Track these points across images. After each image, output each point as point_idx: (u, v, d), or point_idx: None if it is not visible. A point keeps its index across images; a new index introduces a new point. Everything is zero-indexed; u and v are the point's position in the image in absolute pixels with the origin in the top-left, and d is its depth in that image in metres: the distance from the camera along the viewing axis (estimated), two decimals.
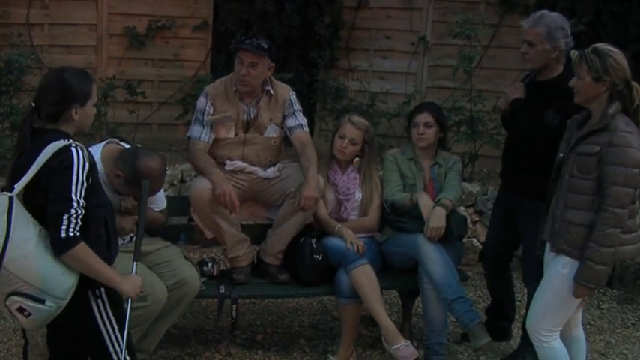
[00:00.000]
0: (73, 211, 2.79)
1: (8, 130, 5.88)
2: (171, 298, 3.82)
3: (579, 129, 3.54)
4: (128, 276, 3.10)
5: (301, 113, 4.46)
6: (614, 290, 5.68)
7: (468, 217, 5.68)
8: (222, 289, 4.20)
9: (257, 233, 4.53)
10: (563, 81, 3.87)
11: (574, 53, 3.47)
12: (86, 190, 2.84)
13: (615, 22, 6.48)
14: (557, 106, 3.93)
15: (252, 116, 4.35)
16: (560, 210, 3.51)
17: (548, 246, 3.66)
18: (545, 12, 4.07)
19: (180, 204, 4.50)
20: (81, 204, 2.81)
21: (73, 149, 2.85)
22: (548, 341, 3.60)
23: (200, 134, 4.31)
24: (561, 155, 3.60)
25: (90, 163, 2.89)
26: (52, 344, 3.27)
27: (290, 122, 4.41)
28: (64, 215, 2.78)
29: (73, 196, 2.79)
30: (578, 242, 3.42)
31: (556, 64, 4.05)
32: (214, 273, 4.32)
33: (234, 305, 4.19)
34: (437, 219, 4.23)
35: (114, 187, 3.61)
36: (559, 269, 3.50)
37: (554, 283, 3.53)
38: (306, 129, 4.46)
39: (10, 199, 2.80)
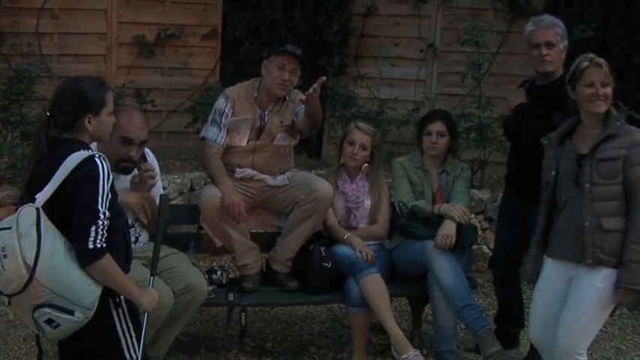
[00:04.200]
0: (100, 222, 2.78)
1: (19, 139, 5.91)
2: (180, 304, 3.81)
3: (561, 144, 3.55)
4: (146, 290, 3.12)
5: None
6: None
7: (478, 224, 5.66)
8: (231, 297, 4.20)
9: (266, 241, 4.53)
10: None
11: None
12: (110, 201, 2.85)
13: (624, 28, 6.45)
14: (564, 107, 3.91)
15: (265, 121, 4.36)
16: (589, 220, 3.43)
17: (555, 270, 3.58)
18: (547, 15, 4.12)
19: (189, 212, 4.51)
20: (107, 215, 2.81)
21: (97, 160, 2.83)
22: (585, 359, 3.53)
23: (216, 136, 4.30)
24: (553, 173, 3.57)
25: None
26: (64, 352, 3.27)
27: (298, 110, 4.37)
28: (91, 227, 2.77)
29: (100, 207, 2.79)
30: (615, 248, 3.39)
31: (560, 65, 4.06)
32: (223, 281, 4.31)
33: (244, 313, 4.18)
34: (447, 228, 4.24)
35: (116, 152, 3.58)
36: (597, 285, 3.41)
37: (594, 300, 3.43)
38: None
39: (37, 210, 2.78)
